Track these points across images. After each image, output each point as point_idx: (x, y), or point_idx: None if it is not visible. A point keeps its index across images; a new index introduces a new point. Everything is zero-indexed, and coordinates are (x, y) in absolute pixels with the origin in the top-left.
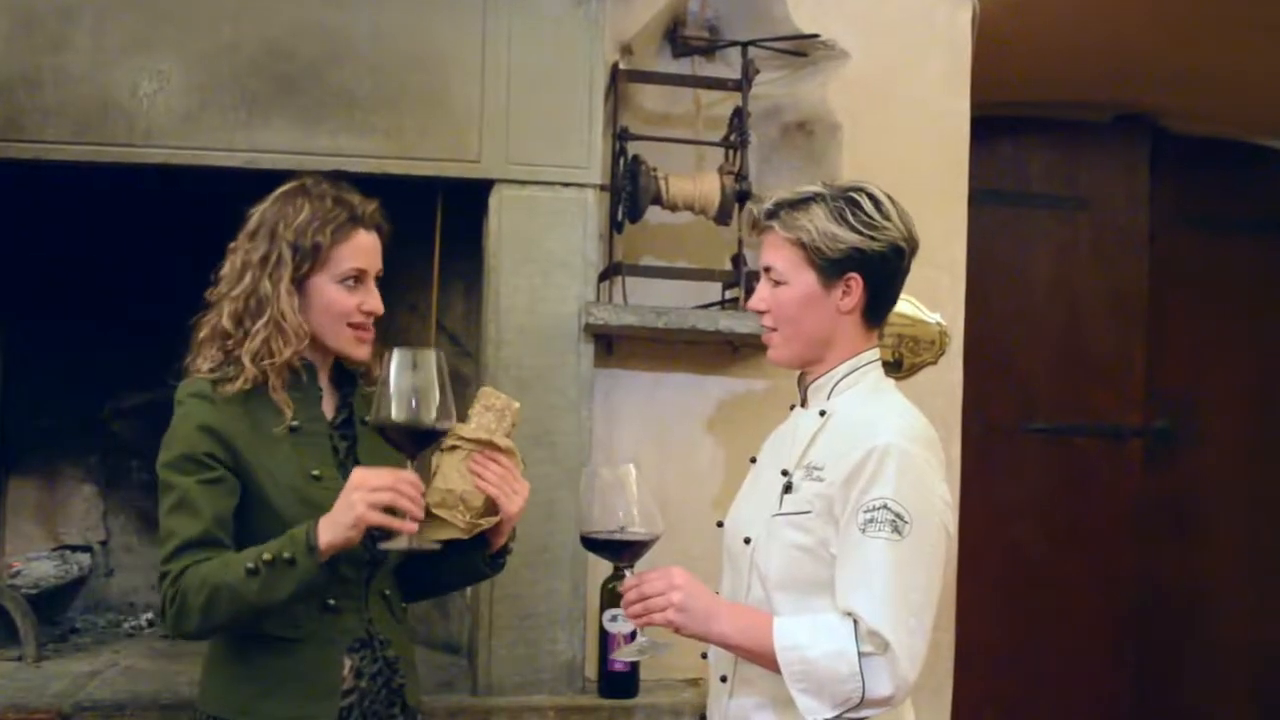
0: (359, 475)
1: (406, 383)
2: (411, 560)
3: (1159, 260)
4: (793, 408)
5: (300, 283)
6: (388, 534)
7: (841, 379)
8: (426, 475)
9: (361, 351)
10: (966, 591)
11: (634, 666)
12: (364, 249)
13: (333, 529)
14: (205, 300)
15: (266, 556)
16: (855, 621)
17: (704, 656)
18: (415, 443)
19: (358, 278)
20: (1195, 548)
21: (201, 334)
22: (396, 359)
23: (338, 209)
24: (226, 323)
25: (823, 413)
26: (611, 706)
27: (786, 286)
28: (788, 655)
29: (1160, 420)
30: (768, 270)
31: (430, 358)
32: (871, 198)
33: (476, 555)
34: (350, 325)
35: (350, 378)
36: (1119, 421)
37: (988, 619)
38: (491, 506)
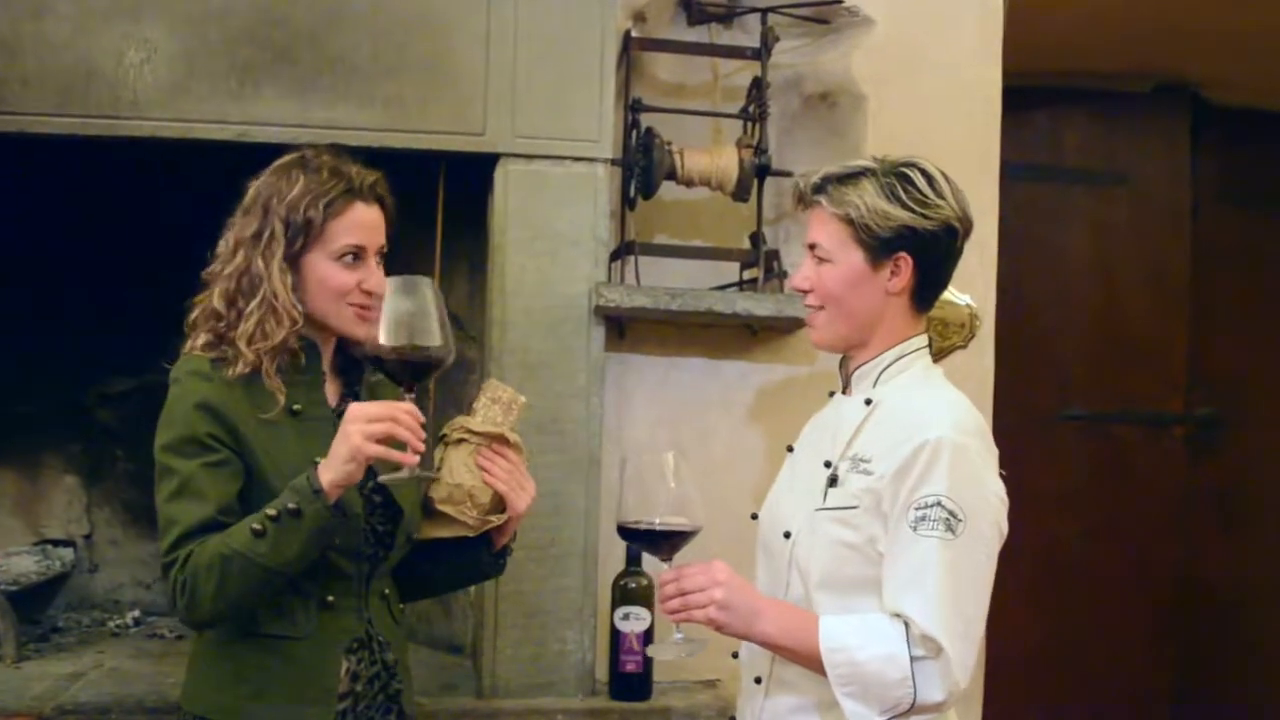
0: (355, 408)
1: (402, 308)
2: (411, 558)
3: (1201, 237)
4: (832, 394)
5: (294, 260)
6: (390, 544)
7: (889, 365)
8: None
9: (363, 330)
10: (999, 588)
11: (647, 668)
12: (362, 223)
13: (331, 467)
14: (201, 280)
15: (270, 513)
16: (906, 624)
17: (734, 656)
18: (412, 373)
19: (356, 254)
20: (1240, 541)
21: (194, 315)
22: (390, 285)
23: (333, 181)
24: (218, 303)
25: (869, 401)
26: (623, 710)
27: (831, 265)
28: (835, 657)
29: (1203, 407)
30: (812, 248)
31: (425, 284)
32: (925, 174)
33: (480, 553)
34: (351, 304)
35: (356, 364)
36: (1160, 408)
37: (1021, 617)
38: (499, 503)
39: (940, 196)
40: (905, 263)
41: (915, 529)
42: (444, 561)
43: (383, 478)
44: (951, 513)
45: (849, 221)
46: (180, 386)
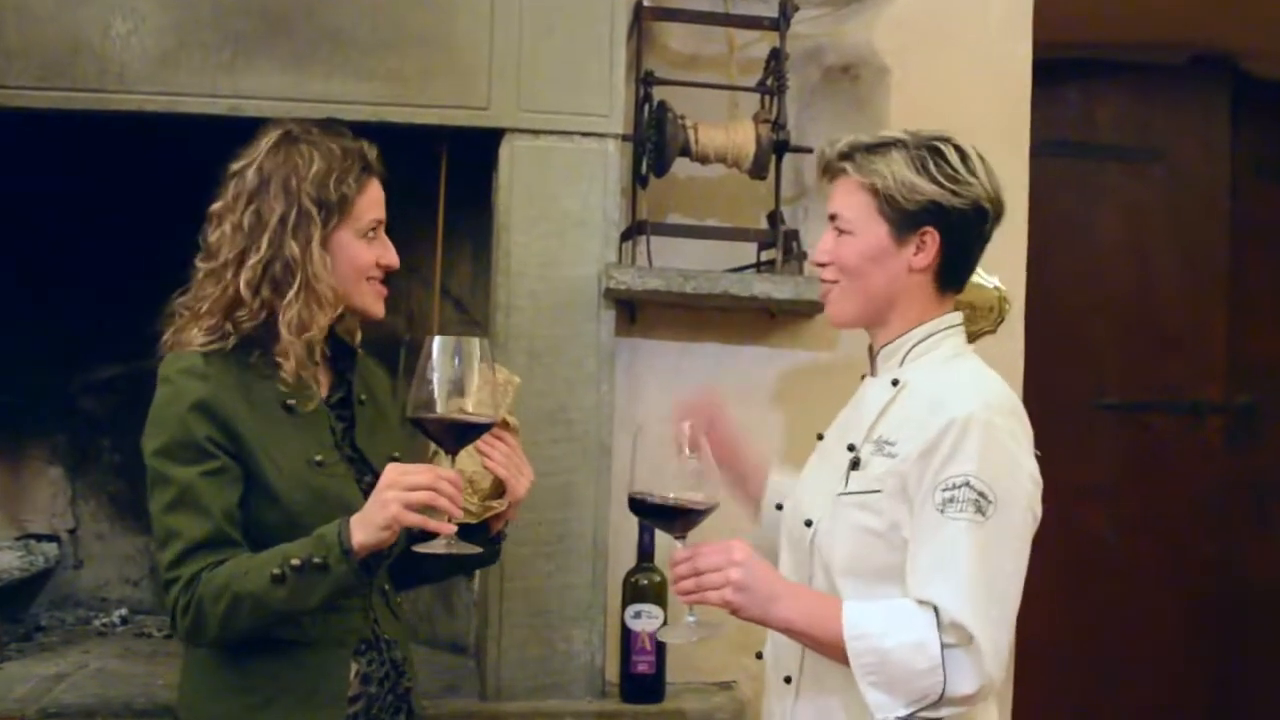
0: (393, 473)
1: (448, 374)
2: (410, 552)
3: (1240, 217)
4: (864, 377)
5: (326, 240)
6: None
7: (916, 344)
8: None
9: (380, 307)
10: (1029, 582)
11: (660, 668)
12: (378, 199)
13: (365, 529)
14: (198, 271)
15: (295, 562)
16: (935, 610)
17: (758, 656)
18: (457, 438)
19: (375, 229)
20: None
21: (203, 308)
22: (437, 346)
23: (349, 157)
24: (244, 292)
25: (895, 382)
26: (635, 713)
27: (852, 237)
28: (858, 645)
29: (1242, 395)
30: (834, 218)
31: (474, 346)
32: (959, 150)
33: (476, 539)
34: (368, 280)
35: (348, 352)
36: (1197, 396)
37: (1052, 611)
38: (499, 488)
39: (973, 174)
40: (931, 238)
41: (943, 511)
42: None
43: (418, 547)
44: (981, 494)
45: (874, 192)
46: (172, 386)
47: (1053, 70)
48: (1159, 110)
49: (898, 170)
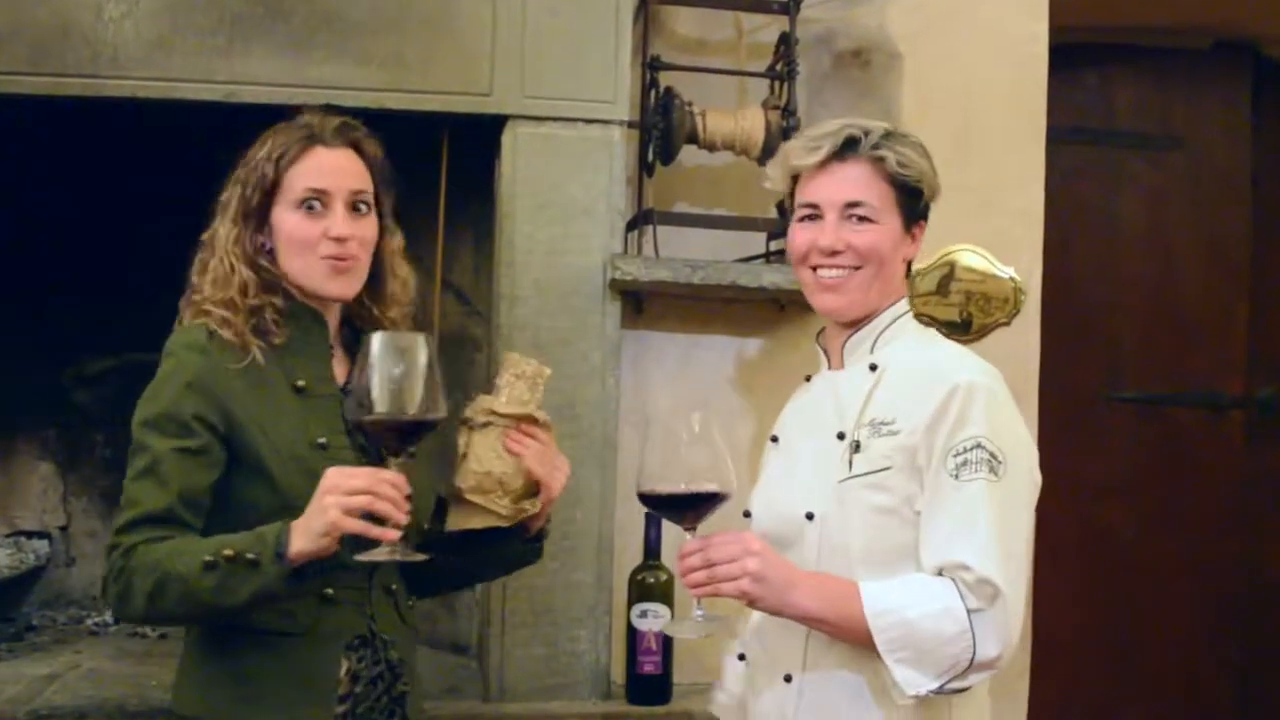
0: (332, 476)
1: (386, 372)
2: (439, 550)
3: (1263, 206)
4: (809, 378)
5: (262, 220)
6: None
7: (884, 330)
8: (440, 463)
9: (335, 286)
10: (1045, 581)
11: (666, 669)
12: (325, 168)
13: (304, 536)
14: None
15: (228, 552)
16: (954, 578)
17: (741, 658)
18: (398, 439)
19: (319, 199)
20: None
21: (194, 282)
22: (376, 342)
23: (294, 131)
24: (193, 274)
25: (873, 367)
26: (641, 714)
27: (877, 226)
28: (882, 621)
29: (1265, 388)
30: (853, 205)
31: (417, 343)
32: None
33: (514, 542)
34: (323, 257)
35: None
36: (1218, 389)
37: (1069, 612)
38: (532, 487)
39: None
40: (920, 230)
41: (957, 476)
42: (476, 554)
43: (359, 556)
44: (993, 454)
45: (893, 181)
46: (174, 360)
47: (1070, 55)
48: (1179, 96)
49: (924, 163)
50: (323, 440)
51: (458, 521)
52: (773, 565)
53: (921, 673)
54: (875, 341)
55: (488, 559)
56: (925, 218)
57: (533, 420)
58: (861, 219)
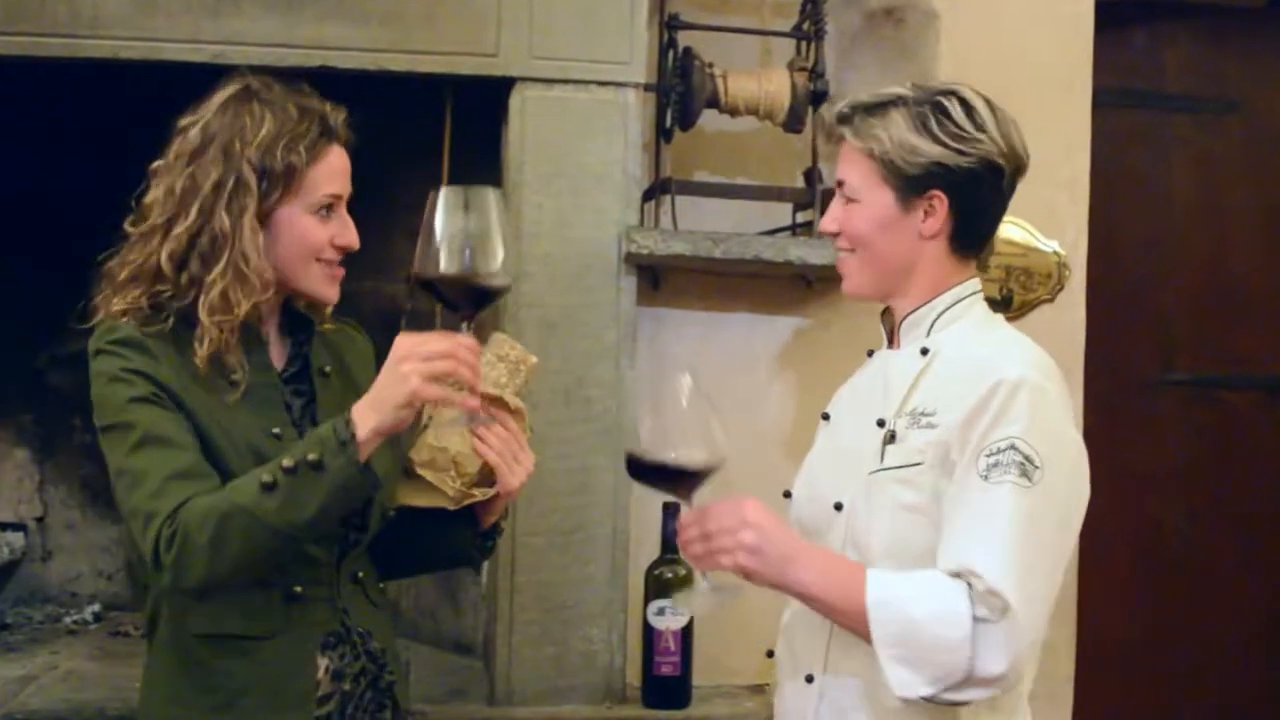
0: (407, 342)
1: (460, 226)
2: (387, 534)
3: None
4: (871, 353)
5: (267, 215)
6: (363, 523)
7: (943, 312)
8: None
9: (334, 291)
10: (1091, 578)
11: (685, 671)
12: (339, 170)
13: (379, 409)
14: (127, 234)
15: (286, 463)
16: (968, 583)
17: (769, 655)
18: (473, 301)
19: (331, 205)
20: None
21: (122, 275)
22: (446, 197)
23: (306, 120)
24: (165, 265)
25: (925, 351)
26: (658, 718)
27: (859, 205)
28: (883, 613)
29: None
30: (841, 185)
31: (490, 197)
32: (964, 103)
33: (461, 531)
34: (321, 261)
35: (305, 322)
36: (1275, 371)
37: (1117, 610)
38: (488, 476)
39: (980, 129)
40: (940, 203)
41: (986, 477)
42: (415, 538)
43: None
44: (1027, 457)
45: (873, 157)
46: (107, 359)
47: (1117, 13)
48: (1233, 57)
49: (897, 132)
50: (277, 430)
51: (404, 496)
52: (770, 537)
53: (916, 675)
54: (934, 324)
55: (432, 545)
56: (945, 189)
57: (504, 405)
58: (849, 199)
